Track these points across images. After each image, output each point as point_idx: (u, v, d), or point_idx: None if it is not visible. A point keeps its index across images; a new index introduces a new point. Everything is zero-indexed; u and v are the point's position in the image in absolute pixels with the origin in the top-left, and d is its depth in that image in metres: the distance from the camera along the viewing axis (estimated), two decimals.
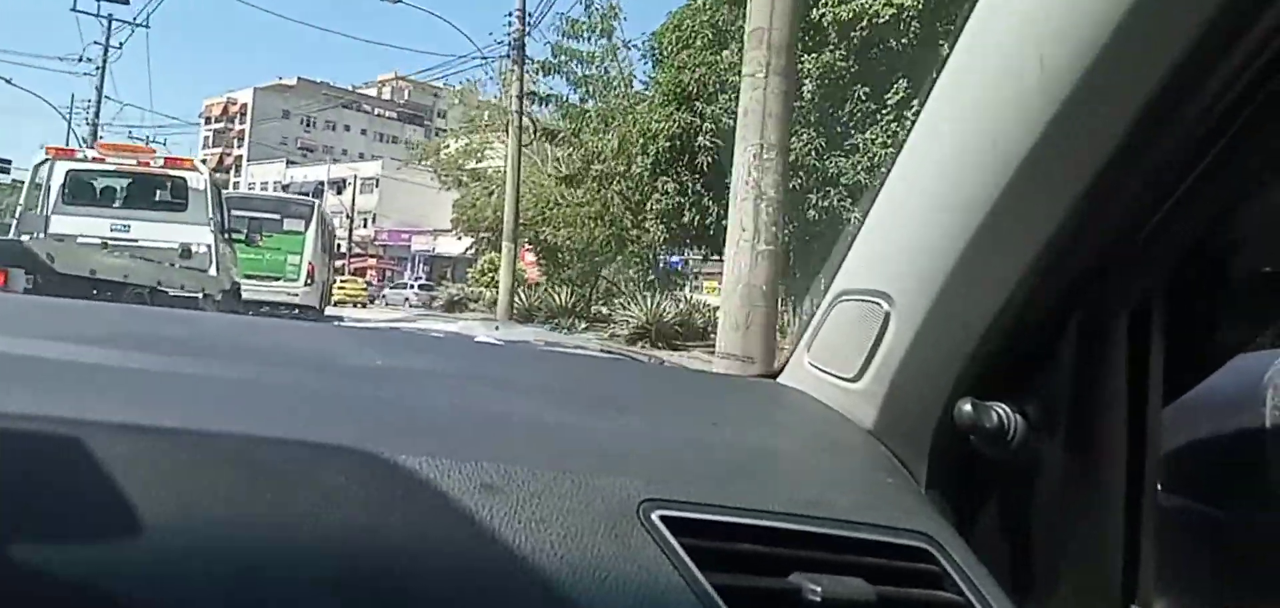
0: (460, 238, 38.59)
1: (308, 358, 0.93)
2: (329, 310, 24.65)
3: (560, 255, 22.92)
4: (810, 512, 0.68)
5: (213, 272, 10.48)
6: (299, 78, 73.61)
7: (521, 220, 20.08)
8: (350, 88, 78.53)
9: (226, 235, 11.55)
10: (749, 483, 0.72)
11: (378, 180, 59.69)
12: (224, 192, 12.63)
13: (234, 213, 12.66)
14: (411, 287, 41.60)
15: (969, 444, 0.75)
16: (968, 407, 0.73)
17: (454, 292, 33.56)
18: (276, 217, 18.13)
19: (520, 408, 0.81)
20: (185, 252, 10.38)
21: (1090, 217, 0.63)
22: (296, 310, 17.53)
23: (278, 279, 17.49)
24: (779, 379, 1.04)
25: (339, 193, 56.22)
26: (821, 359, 0.95)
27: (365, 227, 57.39)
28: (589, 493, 0.63)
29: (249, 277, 15.91)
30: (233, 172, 67.63)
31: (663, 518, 0.63)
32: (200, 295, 9.88)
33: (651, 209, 17.10)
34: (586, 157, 19.28)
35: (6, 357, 0.68)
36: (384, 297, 40.73)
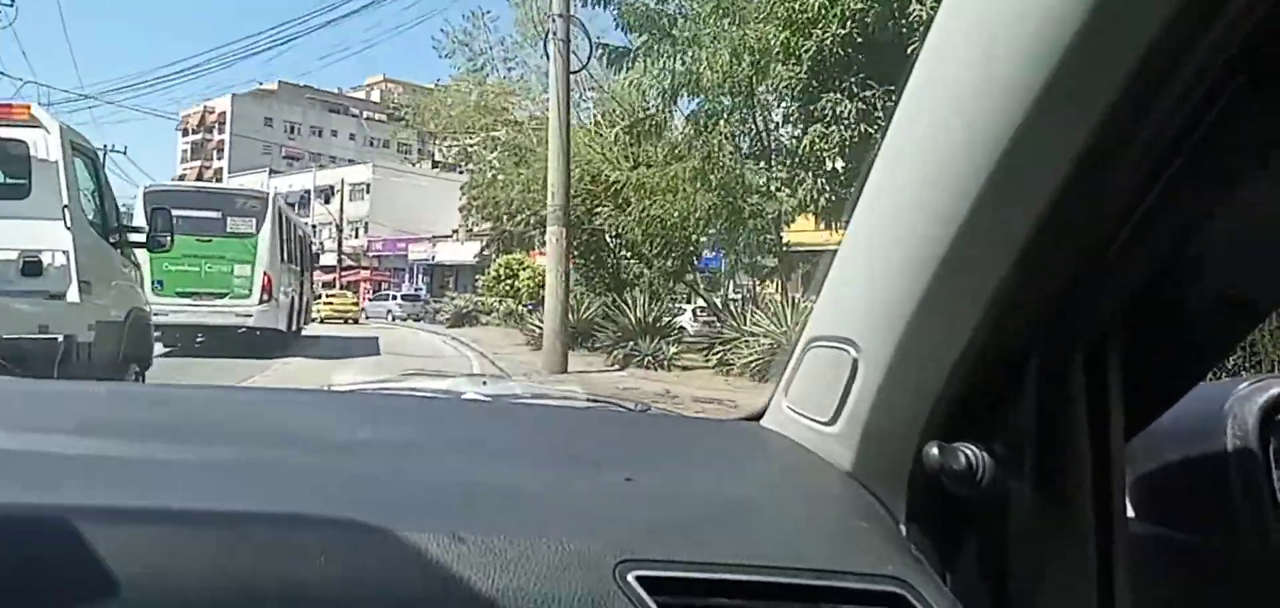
0: (463, 242, 34.26)
1: (296, 435, 0.96)
2: (313, 330, 20.27)
3: (610, 251, 16.55)
4: (786, 562, 0.70)
5: (73, 296, 6.11)
6: (280, 82, 68.99)
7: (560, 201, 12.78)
8: (336, 91, 74.15)
9: (114, 238, 7.10)
10: (726, 536, 0.74)
11: (369, 185, 55.29)
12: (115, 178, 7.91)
13: (154, 210, 8.10)
14: (393, 299, 39.89)
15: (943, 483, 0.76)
16: (934, 450, 0.75)
17: (461, 304, 29.42)
18: (215, 214, 13.62)
19: (498, 474, 0.83)
20: (29, 267, 6.02)
21: (1044, 257, 0.64)
22: (257, 333, 13.33)
23: (222, 296, 13.28)
24: (761, 421, 1.07)
25: (327, 201, 52.23)
26: (799, 403, 0.98)
27: (356, 236, 53.17)
28: (566, 558, 0.66)
29: (183, 295, 12.53)
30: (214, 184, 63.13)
31: (639, 578, 0.65)
32: (57, 339, 5.53)
33: (808, 149, 10.44)
34: (672, 87, 12.38)
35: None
36: (364, 311, 37.58)
